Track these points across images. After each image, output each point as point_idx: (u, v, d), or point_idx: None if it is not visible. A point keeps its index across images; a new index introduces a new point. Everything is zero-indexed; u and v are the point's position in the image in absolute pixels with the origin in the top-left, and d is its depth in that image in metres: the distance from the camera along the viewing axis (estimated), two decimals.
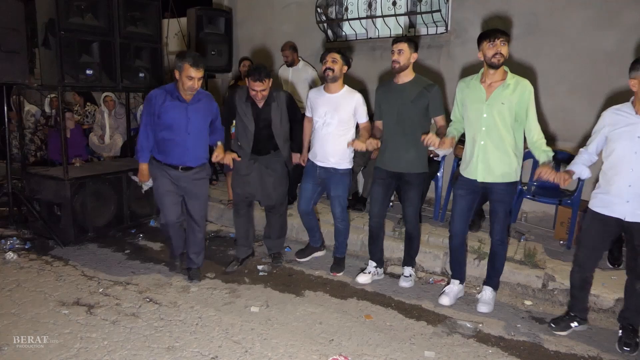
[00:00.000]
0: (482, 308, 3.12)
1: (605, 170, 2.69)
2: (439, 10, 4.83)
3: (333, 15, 5.70)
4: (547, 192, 4.12)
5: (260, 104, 3.44)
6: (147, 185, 3.46)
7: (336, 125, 3.42)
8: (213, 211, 4.96)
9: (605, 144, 2.70)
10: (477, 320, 2.98)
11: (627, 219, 2.60)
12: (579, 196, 3.91)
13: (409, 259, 3.54)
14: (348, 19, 5.52)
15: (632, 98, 2.60)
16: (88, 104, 7.20)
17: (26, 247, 4.02)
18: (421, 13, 4.96)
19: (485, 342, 2.76)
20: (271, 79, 3.39)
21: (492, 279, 3.20)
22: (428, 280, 3.61)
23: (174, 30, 6.85)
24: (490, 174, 2.95)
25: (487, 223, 4.33)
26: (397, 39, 3.21)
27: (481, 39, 2.85)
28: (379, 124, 3.41)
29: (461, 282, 3.31)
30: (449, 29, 4.96)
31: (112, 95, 6.29)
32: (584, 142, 3.03)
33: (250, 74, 3.32)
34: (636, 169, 2.54)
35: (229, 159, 3.38)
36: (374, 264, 3.58)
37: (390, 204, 4.86)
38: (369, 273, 3.56)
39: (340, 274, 3.67)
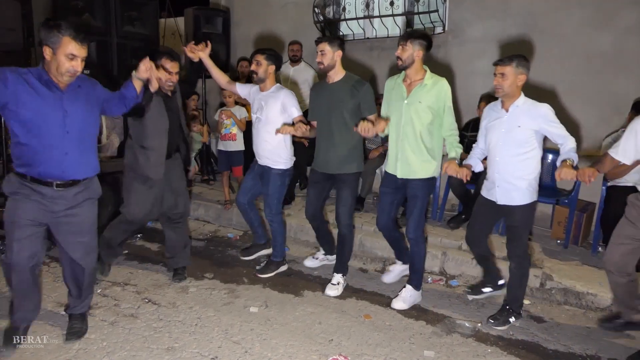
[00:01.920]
0: (396, 304, 3.13)
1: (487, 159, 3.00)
2: (437, 11, 4.84)
3: (330, 15, 5.70)
4: (545, 192, 4.13)
5: (170, 92, 3.21)
6: None
7: (264, 122, 3.39)
8: (210, 211, 4.96)
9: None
10: (476, 320, 2.99)
11: (498, 202, 2.88)
12: (576, 196, 3.93)
13: (339, 266, 3.39)
14: (345, 19, 5.52)
15: None
16: None
17: None
18: (419, 13, 4.97)
19: (484, 341, 2.77)
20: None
21: (411, 278, 3.20)
22: (426, 280, 3.61)
23: (171, 30, 6.82)
24: (408, 171, 3.04)
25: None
26: (318, 40, 3.19)
27: None
28: (313, 123, 3.38)
29: (404, 263, 3.45)
30: (446, 29, 4.98)
31: None
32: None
33: (166, 53, 3.12)
34: (500, 157, 2.83)
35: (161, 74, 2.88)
36: (323, 251, 3.77)
37: None
38: (317, 259, 3.75)
39: (266, 276, 3.56)
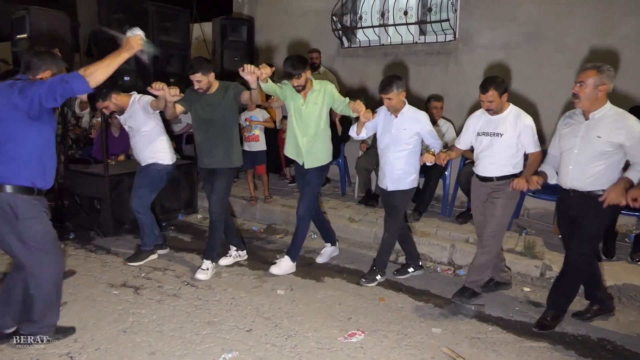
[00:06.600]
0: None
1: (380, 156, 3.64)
2: (448, 20, 5.16)
3: (348, 23, 6.05)
4: (548, 189, 4.42)
5: None
6: None
7: (136, 129, 3.90)
8: (236, 206, 5.36)
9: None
10: (480, 303, 3.33)
11: (388, 189, 3.56)
12: None
13: (209, 251, 3.68)
14: (362, 27, 5.87)
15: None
16: None
17: (70, 237, 4.43)
18: (431, 22, 5.29)
19: (486, 321, 3.11)
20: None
21: (290, 250, 3.78)
22: (436, 269, 3.96)
23: (195, 34, 7.22)
24: (312, 161, 3.68)
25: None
26: (191, 71, 3.50)
27: None
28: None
29: (332, 245, 4.11)
30: (457, 36, 5.29)
31: None
32: None
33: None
34: (389, 153, 3.49)
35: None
36: (234, 247, 4.00)
37: None
38: (230, 256, 3.97)
39: (135, 264, 3.83)
